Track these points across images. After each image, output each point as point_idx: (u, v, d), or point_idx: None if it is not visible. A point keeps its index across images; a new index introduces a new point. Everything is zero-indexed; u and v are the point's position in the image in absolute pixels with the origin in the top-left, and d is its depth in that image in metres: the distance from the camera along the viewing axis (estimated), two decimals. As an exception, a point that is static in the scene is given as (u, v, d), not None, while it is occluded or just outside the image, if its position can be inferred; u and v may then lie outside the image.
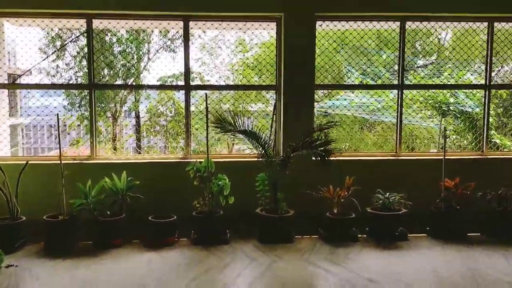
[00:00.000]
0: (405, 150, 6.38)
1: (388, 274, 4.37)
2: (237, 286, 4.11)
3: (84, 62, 15.04)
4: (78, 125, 14.06)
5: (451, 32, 8.84)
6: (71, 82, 12.25)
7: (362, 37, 6.67)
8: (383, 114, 7.87)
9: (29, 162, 5.47)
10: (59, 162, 5.35)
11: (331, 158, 5.39)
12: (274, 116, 6.34)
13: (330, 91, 8.59)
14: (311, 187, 5.54)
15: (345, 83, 7.98)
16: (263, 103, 8.44)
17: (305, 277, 4.33)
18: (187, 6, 5.90)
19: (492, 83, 6.62)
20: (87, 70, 6.06)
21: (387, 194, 5.59)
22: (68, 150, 11.23)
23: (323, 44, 6.44)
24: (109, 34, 15.48)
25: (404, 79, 6.37)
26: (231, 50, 9.26)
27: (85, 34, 5.90)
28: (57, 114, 5.40)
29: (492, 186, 5.69)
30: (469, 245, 5.28)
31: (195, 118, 8.17)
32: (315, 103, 6.25)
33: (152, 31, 16.16)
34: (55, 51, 6.03)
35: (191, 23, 6.21)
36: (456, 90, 8.30)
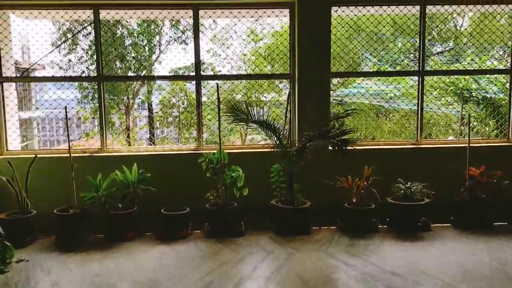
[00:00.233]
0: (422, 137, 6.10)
1: (411, 267, 4.15)
2: (253, 281, 3.93)
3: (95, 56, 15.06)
4: (93, 118, 14.10)
5: (470, 17, 8.50)
6: (83, 75, 12.21)
7: (377, 25, 6.39)
8: (402, 101, 7.57)
9: (38, 155, 5.37)
10: (68, 155, 5.24)
11: (349, 148, 5.17)
12: (289, 105, 6.13)
13: (346, 79, 8.32)
14: (328, 178, 5.33)
15: (362, 70, 7.73)
16: (276, 93, 8.23)
17: (324, 270, 4.12)
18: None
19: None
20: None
21: (409, 183, 5.35)
22: (83, 142, 11.24)
23: (339, 31, 6.18)
24: (120, 27, 15.42)
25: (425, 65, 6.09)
26: (242, 39, 9.05)
27: (92, 25, 5.74)
28: (65, 107, 5.27)
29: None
30: (496, 235, 5.03)
31: (207, 108, 8.01)
32: (330, 92, 6.01)
33: (163, 23, 16.05)
34: (61, 43, 5.90)
35: (201, 12, 6.02)
36: (479, 76, 7.95)
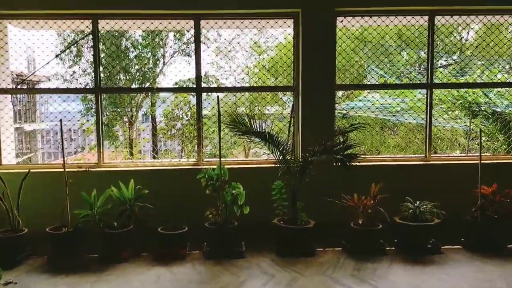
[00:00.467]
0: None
1: (422, 294, 3.89)
2: (253, 308, 3.69)
3: (101, 68, 14.98)
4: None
5: (477, 30, 8.31)
6: (87, 87, 12.13)
7: (383, 37, 6.20)
8: (410, 115, 7.33)
9: (32, 170, 5.18)
10: (63, 170, 5.03)
11: (353, 164, 4.94)
12: (292, 119, 5.92)
13: (351, 92, 8.12)
14: (333, 195, 5.09)
15: (368, 83, 7.52)
16: (280, 106, 8.03)
17: (329, 297, 3.88)
18: (197, 4, 5.54)
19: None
20: (102, 73, 5.73)
21: (417, 202, 5.10)
22: (87, 155, 11.10)
23: (344, 42, 5.98)
24: (124, 39, 15.36)
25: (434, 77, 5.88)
26: (245, 50, 8.89)
27: (91, 35, 5.58)
28: (61, 120, 5.08)
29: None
30: (510, 258, 4.76)
31: (210, 121, 7.81)
32: (335, 105, 5.81)
33: (167, 36, 15.98)
34: (60, 53, 5.69)
35: (203, 22, 5.85)
36: (489, 89, 7.72)
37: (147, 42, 15.22)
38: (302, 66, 5.69)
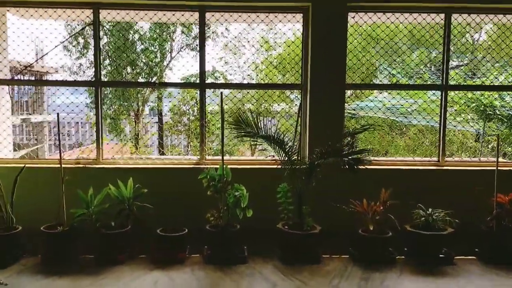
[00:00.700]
0: (435, 154, 5.61)
1: (434, 309, 3.65)
2: (254, 320, 3.47)
3: (107, 61, 14.81)
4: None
5: (489, 28, 8.01)
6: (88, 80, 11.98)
7: (396, 34, 5.91)
8: (423, 117, 7.06)
9: (27, 165, 4.98)
10: (59, 165, 4.82)
11: (361, 167, 4.69)
12: (299, 118, 5.67)
13: (361, 91, 7.84)
14: (340, 200, 4.83)
15: (379, 82, 7.24)
16: (287, 104, 7.78)
17: (335, 310, 3.64)
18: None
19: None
20: (109, 66, 5.52)
21: (430, 210, 4.84)
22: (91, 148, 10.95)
23: (355, 39, 5.73)
24: (131, 32, 15.18)
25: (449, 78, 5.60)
26: (252, 45, 8.64)
27: (91, 26, 5.37)
28: (58, 114, 4.87)
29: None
30: (528, 271, 4.50)
31: (215, 118, 7.60)
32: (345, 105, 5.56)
33: (174, 30, 15.76)
34: (60, 43, 5.48)
35: (208, 15, 5.62)
36: (506, 92, 7.43)
37: (155, 37, 15.04)
38: (311, 63, 5.45)
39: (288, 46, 6.27)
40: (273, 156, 5.06)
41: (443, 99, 5.59)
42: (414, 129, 9.27)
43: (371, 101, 7.11)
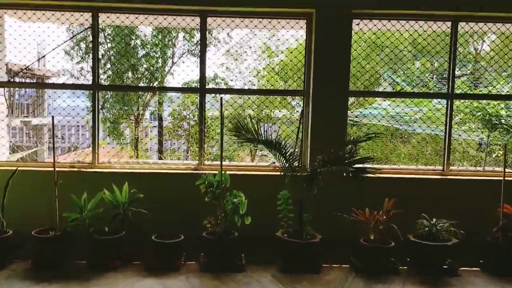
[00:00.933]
0: (438, 163, 5.47)
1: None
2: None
3: (108, 65, 14.78)
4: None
5: (494, 37, 7.93)
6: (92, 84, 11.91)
7: (401, 42, 5.82)
8: (428, 126, 6.91)
9: (20, 168, 4.86)
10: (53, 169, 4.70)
11: (365, 175, 4.56)
12: (301, 125, 5.56)
13: (364, 99, 7.74)
14: (342, 208, 4.69)
15: (384, 90, 7.12)
16: (288, 110, 7.67)
17: (335, 322, 3.48)
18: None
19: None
20: (110, 71, 5.42)
21: (434, 219, 4.69)
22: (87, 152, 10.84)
23: (360, 46, 5.62)
24: (133, 37, 15.15)
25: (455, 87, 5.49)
26: (253, 51, 8.56)
27: (90, 30, 5.27)
28: (52, 117, 4.76)
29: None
30: (534, 285, 4.34)
31: (215, 122, 7.48)
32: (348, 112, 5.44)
33: (176, 36, 15.74)
34: (58, 46, 5.39)
35: (210, 20, 5.52)
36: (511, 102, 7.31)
37: (156, 42, 15.03)
38: (314, 69, 5.34)
39: (291, 52, 6.18)
40: (274, 163, 4.94)
41: (449, 108, 5.47)
42: (418, 138, 9.14)
43: (375, 108, 7.00)
